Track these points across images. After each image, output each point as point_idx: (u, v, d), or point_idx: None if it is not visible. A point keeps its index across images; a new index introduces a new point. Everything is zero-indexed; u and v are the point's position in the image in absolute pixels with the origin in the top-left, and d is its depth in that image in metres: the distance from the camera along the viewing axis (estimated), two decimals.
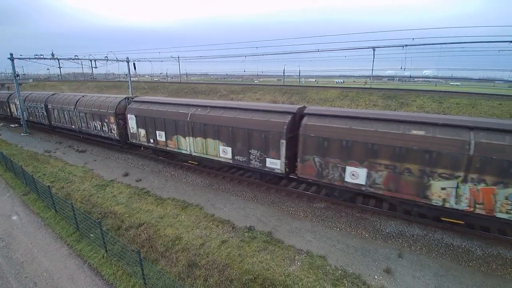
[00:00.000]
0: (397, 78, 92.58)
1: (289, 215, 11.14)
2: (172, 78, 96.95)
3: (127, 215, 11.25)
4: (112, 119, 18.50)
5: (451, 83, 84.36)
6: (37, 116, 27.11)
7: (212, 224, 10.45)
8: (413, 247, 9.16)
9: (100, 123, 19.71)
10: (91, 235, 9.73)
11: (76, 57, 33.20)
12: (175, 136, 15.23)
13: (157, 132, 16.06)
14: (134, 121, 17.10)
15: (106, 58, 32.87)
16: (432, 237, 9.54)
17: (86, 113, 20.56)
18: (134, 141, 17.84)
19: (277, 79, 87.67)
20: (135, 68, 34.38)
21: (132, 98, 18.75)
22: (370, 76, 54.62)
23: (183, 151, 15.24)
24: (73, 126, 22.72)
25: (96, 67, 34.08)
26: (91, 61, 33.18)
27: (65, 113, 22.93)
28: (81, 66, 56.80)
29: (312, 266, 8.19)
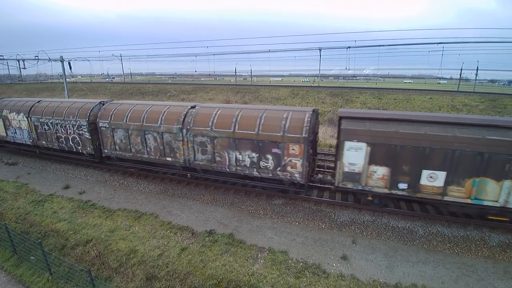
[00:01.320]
0: (342, 77, 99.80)
1: (249, 215, 11.20)
2: (114, 78, 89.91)
3: (71, 232, 10.12)
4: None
5: (404, 81, 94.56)
6: None
7: (170, 232, 9.98)
8: (364, 233, 9.97)
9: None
10: (32, 257, 8.55)
11: (1, 57, 28.76)
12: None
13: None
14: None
15: (36, 57, 28.97)
16: (380, 222, 10.49)
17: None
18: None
19: (231, 80, 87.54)
20: (70, 68, 30.97)
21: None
22: (318, 75, 57.93)
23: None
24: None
25: (25, 68, 29.80)
26: (18, 61, 28.92)
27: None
28: (7, 67, 49.26)
29: (275, 262, 8.37)
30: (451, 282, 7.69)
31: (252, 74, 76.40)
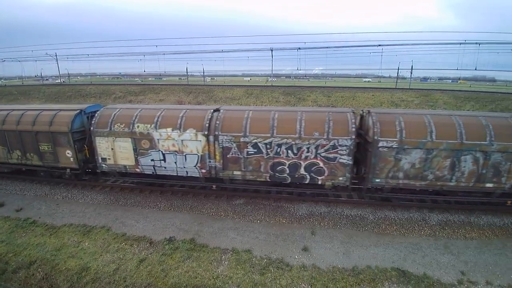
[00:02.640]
0: (293, 76, 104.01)
1: (210, 217, 11.12)
2: (48, 79, 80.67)
3: (11, 255, 8.97)
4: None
5: (364, 80, 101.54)
6: None
7: (125, 244, 9.42)
8: (322, 224, 10.63)
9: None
10: None
11: None
12: None
13: None
14: None
15: None
16: (335, 211, 11.29)
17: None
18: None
19: (179, 78, 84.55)
20: None
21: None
22: (271, 75, 59.50)
23: None
24: None
25: None
26: None
27: None
28: None
29: (239, 262, 8.48)
30: (400, 261, 8.64)
31: (206, 74, 75.26)
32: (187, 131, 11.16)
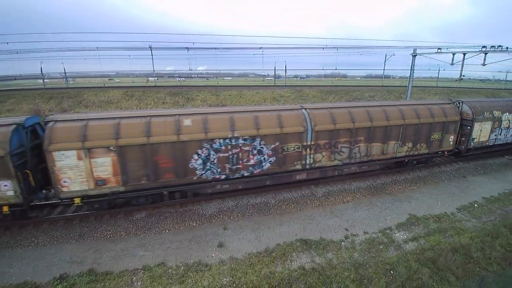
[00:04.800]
0: (177, 75, 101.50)
1: (108, 241, 9.86)
2: None
3: None
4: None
5: (267, 79, 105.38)
6: None
7: None
8: (232, 217, 11.23)
9: None
10: None
11: None
12: None
13: None
14: None
15: None
16: (241, 203, 12.09)
17: None
18: None
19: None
20: None
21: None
22: (153, 75, 56.20)
23: None
24: None
25: None
26: None
27: None
28: None
29: (154, 278, 7.99)
30: (301, 232, 10.18)
31: (68, 74, 63.49)
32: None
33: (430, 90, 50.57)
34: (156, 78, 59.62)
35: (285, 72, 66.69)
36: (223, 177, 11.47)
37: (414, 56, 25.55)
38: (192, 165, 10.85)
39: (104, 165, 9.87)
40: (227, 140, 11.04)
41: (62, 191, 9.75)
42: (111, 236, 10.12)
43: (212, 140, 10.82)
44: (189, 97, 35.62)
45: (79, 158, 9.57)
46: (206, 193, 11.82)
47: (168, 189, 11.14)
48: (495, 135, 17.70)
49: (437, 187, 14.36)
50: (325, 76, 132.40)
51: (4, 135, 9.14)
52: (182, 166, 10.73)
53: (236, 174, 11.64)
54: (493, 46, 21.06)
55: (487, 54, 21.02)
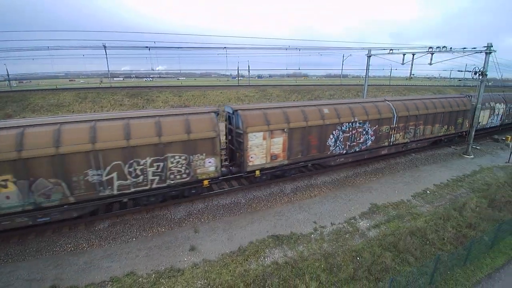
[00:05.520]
0: (134, 75, 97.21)
1: (69, 254, 9.22)
2: None
3: None
4: None
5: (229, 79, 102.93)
6: None
7: None
8: (202, 220, 11.14)
9: None
10: None
11: None
12: None
13: None
14: None
15: None
16: (211, 204, 12.05)
17: None
18: None
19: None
20: None
21: None
22: (108, 75, 53.11)
23: None
24: None
25: None
26: None
27: None
28: None
29: None
30: (272, 229, 10.41)
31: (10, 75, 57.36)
32: None
33: (384, 88, 54.41)
34: (112, 79, 56.47)
35: (248, 72, 67.22)
36: (344, 152, 15.06)
37: (369, 56, 27.32)
38: (328, 143, 14.27)
39: (278, 144, 12.81)
40: (350, 124, 14.77)
41: (248, 165, 12.37)
42: (72, 249, 9.49)
43: (342, 124, 14.45)
44: (149, 98, 34.35)
45: (264, 138, 12.36)
46: (330, 165, 15.49)
47: (311, 162, 14.54)
48: (491, 119, 24.62)
49: (393, 177, 15.62)
50: (288, 76, 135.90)
51: (213, 120, 11.34)
52: (322, 144, 14.12)
53: (351, 150, 15.32)
54: (438, 47, 23.30)
55: (433, 54, 23.23)
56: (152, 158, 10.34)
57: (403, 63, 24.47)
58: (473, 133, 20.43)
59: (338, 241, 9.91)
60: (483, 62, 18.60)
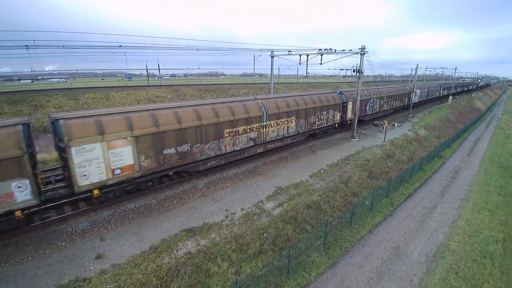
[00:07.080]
0: (17, 78, 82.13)
1: None
2: None
3: None
4: None
5: (220, 77, 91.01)
6: None
7: None
8: (109, 227, 10.71)
9: None
10: None
11: None
12: None
13: None
14: None
15: None
16: (119, 211, 11.63)
17: None
18: None
19: None
20: None
21: None
22: None
23: None
24: None
25: None
26: None
27: None
28: None
29: None
30: (185, 223, 10.83)
31: None
32: None
33: (292, 86, 59.98)
34: None
35: (159, 71, 64.53)
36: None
37: (272, 57, 29.98)
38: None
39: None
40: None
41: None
42: None
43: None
44: (37, 104, 29.79)
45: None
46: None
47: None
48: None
49: (295, 163, 17.88)
50: (204, 75, 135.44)
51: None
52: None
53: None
54: (326, 49, 27.23)
55: (323, 55, 27.07)
56: None
57: (300, 63, 27.78)
58: (356, 121, 24.90)
59: (247, 223, 11.02)
60: (359, 61, 22.85)
